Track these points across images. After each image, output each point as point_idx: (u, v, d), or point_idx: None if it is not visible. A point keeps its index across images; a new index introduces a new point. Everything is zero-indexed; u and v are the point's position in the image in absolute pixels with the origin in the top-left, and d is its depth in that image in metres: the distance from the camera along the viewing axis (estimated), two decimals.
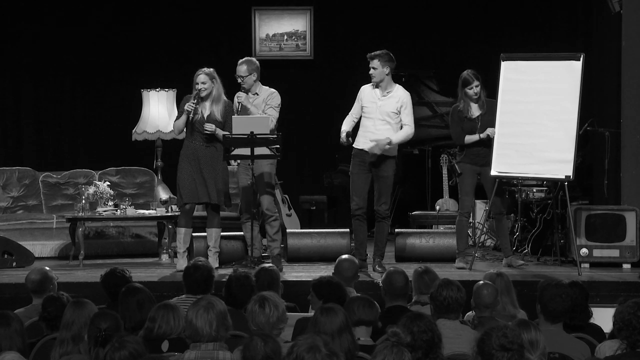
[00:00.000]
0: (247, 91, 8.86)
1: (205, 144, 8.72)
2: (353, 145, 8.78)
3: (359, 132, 8.78)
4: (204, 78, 8.67)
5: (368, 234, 8.98)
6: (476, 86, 8.83)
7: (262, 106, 8.87)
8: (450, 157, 9.07)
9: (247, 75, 8.83)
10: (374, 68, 8.68)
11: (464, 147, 8.95)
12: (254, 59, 9.11)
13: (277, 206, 9.66)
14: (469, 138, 8.88)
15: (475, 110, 8.90)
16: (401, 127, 8.77)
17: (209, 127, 8.61)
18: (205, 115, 8.69)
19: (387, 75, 8.70)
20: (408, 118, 8.77)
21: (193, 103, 8.63)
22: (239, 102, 8.82)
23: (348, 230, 9.17)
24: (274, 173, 9.04)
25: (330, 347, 3.97)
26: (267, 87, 8.98)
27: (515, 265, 8.85)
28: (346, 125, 8.74)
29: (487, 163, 8.87)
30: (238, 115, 8.75)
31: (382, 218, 8.82)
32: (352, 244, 9.16)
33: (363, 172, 8.73)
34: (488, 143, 8.89)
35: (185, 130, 8.85)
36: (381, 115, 8.68)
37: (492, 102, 8.94)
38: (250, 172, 8.71)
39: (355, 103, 8.84)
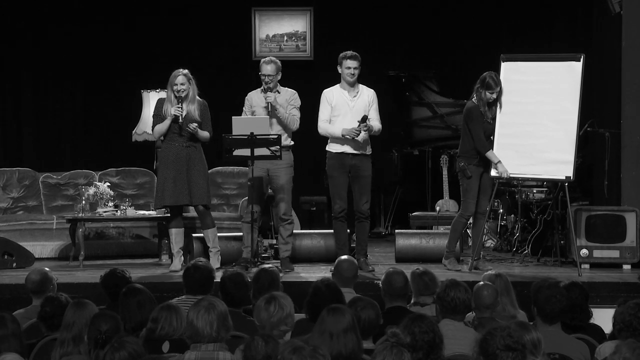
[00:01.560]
0: (270, 90, 8.85)
1: (185, 144, 8.71)
2: (327, 149, 8.86)
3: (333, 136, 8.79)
4: (182, 79, 8.67)
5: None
6: (497, 92, 8.69)
7: (286, 106, 8.88)
8: (457, 159, 9.02)
9: (274, 75, 8.83)
10: (355, 68, 8.72)
11: (473, 147, 8.77)
12: (275, 58, 9.08)
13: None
14: (491, 156, 8.71)
15: (488, 113, 8.79)
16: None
17: (193, 125, 8.61)
18: (183, 115, 8.70)
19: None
20: (376, 114, 8.84)
21: (179, 108, 8.63)
22: (267, 102, 8.80)
23: (348, 231, 9.17)
24: (292, 176, 9.03)
25: (312, 343, 3.98)
26: (286, 88, 8.99)
27: (483, 269, 8.43)
28: (333, 127, 8.75)
29: (488, 164, 8.85)
30: (269, 115, 8.76)
31: (365, 218, 8.88)
32: (355, 246, 9.13)
33: (342, 174, 8.80)
34: (490, 145, 8.84)
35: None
36: (354, 116, 8.72)
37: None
38: (266, 174, 8.75)
39: (322, 108, 8.83)
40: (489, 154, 8.74)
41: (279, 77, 8.89)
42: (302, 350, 3.87)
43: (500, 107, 8.82)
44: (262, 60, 8.95)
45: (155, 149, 11.00)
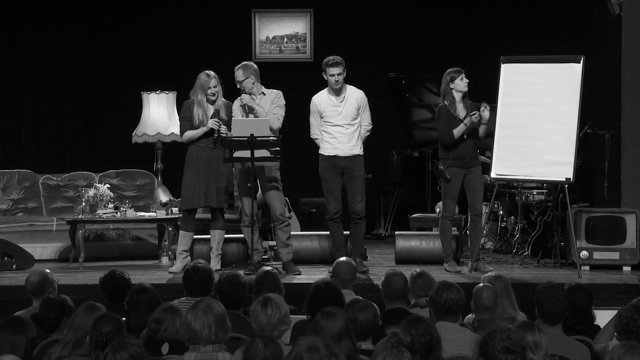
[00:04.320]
0: (251, 93, 8.86)
1: (210, 146, 8.76)
2: (320, 152, 8.89)
3: (325, 139, 8.83)
4: (215, 82, 8.77)
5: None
6: (465, 77, 8.73)
7: (269, 106, 8.88)
8: (436, 163, 9.04)
9: (244, 80, 8.84)
10: (339, 74, 8.74)
11: (450, 148, 8.74)
12: (250, 62, 9.07)
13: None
14: (457, 131, 8.68)
15: (461, 111, 8.76)
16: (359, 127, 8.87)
17: (224, 128, 8.69)
18: (210, 115, 8.77)
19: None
20: (367, 116, 8.88)
21: (217, 121, 8.67)
22: (242, 104, 8.81)
23: (348, 232, 9.17)
24: (279, 177, 9.04)
25: (331, 348, 3.97)
26: (271, 89, 9.00)
27: (483, 270, 8.42)
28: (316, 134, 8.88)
29: (473, 165, 8.82)
30: (247, 116, 8.77)
31: (360, 219, 8.86)
32: (351, 247, 9.12)
33: (335, 175, 8.82)
34: (473, 146, 8.82)
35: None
36: (344, 119, 8.77)
37: (475, 105, 8.85)
38: (251, 176, 8.71)
39: (312, 119, 8.90)
40: (455, 131, 8.69)
41: (252, 80, 8.84)
42: (317, 352, 3.88)
43: (467, 104, 8.75)
44: (236, 67, 8.95)
45: (156, 150, 11.01)
